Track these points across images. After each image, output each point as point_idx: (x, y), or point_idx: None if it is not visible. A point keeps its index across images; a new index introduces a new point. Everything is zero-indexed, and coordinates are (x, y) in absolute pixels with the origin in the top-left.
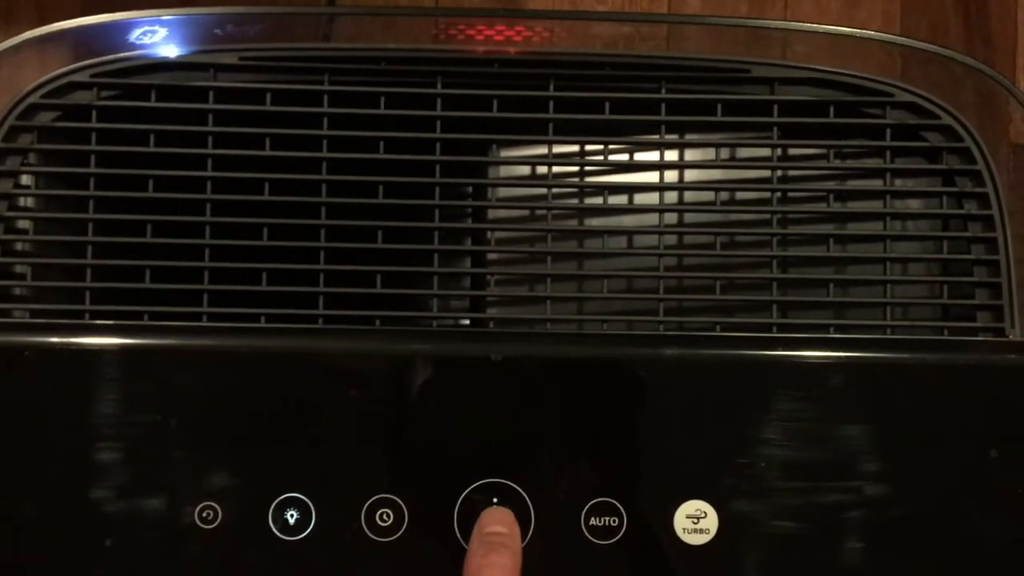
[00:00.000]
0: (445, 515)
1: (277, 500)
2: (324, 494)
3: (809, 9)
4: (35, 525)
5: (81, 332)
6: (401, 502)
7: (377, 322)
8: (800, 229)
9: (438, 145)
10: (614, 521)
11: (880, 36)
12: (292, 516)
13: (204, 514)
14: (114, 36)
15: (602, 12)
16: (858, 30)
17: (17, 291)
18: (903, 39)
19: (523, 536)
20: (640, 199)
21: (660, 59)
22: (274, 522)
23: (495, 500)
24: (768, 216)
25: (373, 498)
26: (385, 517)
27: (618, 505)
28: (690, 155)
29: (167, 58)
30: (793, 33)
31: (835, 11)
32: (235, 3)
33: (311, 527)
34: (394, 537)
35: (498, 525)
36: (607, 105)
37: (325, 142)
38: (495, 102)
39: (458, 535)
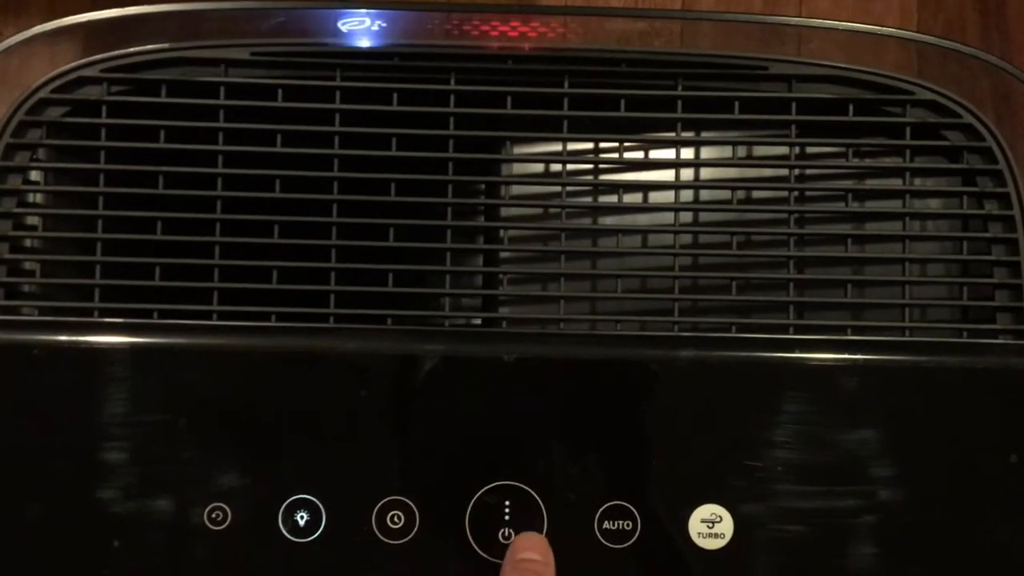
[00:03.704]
0: (457, 518)
1: (287, 501)
2: (335, 495)
3: (825, 5)
4: (43, 525)
5: (90, 330)
6: (412, 504)
7: (388, 321)
8: (817, 229)
9: (451, 142)
10: (628, 525)
11: (898, 33)
12: (302, 518)
13: (214, 515)
14: (125, 31)
15: (617, 8)
16: (876, 27)
17: (26, 288)
18: (922, 36)
19: None
20: (655, 197)
21: (676, 55)
22: (284, 524)
23: (507, 503)
24: (785, 215)
25: (384, 500)
26: (396, 519)
27: (632, 508)
28: (706, 153)
29: (178, 53)
30: (809, 30)
31: (850, 7)
32: None
33: (321, 529)
34: (405, 540)
35: (532, 552)
36: (622, 102)
37: (337, 139)
38: (509, 99)
39: (470, 538)
